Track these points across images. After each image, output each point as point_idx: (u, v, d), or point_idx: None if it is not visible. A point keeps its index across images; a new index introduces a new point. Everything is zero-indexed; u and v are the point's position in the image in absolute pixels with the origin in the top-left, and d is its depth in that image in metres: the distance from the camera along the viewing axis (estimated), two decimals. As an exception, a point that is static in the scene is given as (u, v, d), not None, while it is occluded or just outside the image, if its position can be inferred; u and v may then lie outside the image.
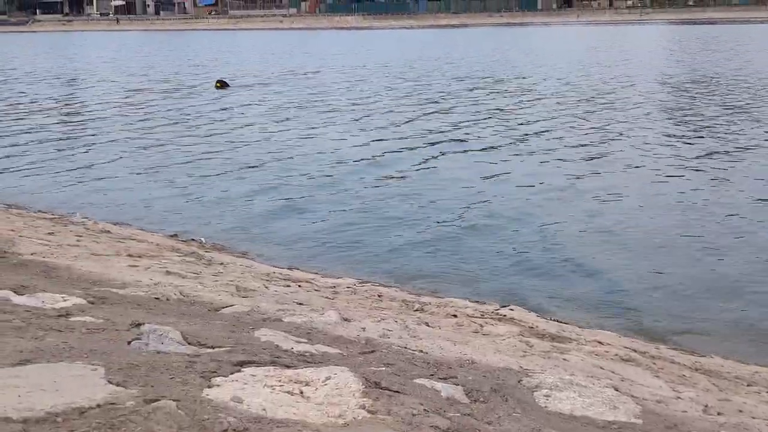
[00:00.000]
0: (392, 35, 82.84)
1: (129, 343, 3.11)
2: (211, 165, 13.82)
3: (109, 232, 8.90)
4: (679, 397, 3.81)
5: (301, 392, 2.83)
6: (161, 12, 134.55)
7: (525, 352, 4.73)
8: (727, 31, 70.49)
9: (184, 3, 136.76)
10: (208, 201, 11.21)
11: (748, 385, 4.60)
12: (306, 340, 3.88)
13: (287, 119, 19.60)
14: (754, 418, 3.62)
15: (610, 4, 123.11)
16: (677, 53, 43.19)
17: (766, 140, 14.80)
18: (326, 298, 6.19)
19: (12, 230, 7.74)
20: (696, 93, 23.28)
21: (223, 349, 3.26)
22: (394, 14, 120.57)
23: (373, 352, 3.99)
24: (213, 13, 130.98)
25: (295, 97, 24.86)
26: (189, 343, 3.27)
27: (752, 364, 5.30)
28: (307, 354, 3.54)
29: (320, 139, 16.30)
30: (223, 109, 21.99)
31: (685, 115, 18.79)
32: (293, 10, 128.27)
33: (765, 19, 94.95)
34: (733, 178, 11.74)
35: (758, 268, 7.73)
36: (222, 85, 27.39)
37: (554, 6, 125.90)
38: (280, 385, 2.86)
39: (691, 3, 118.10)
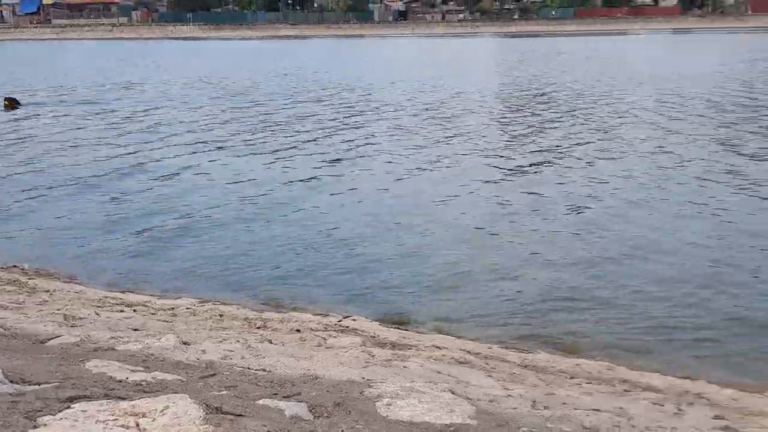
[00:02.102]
0: (228, 46, 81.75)
1: (-59, 386, 2.87)
2: (17, 186, 12.91)
3: None
4: (509, 395, 4.02)
5: (138, 425, 2.73)
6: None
7: (367, 362, 4.80)
8: (546, 43, 75.61)
9: (1, 12, 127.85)
10: (24, 224, 10.49)
11: (570, 378, 4.92)
12: (142, 369, 3.74)
13: (91, 137, 18.66)
14: (576, 409, 3.88)
15: (443, 18, 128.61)
16: (502, 64, 45.71)
17: (575, 144, 15.94)
18: (164, 321, 6.00)
19: None
20: (513, 102, 24.73)
21: (50, 384, 3.08)
22: (232, 24, 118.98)
23: (214, 375, 3.92)
24: (35, 22, 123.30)
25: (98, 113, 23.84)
26: (11, 381, 3.06)
27: (574, 357, 5.67)
28: (143, 383, 3.42)
29: (142, 157, 15.68)
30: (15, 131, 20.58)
31: (505, 124, 19.87)
32: (124, 19, 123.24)
33: (579, 32, 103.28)
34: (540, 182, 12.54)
35: (572, 266, 8.29)
36: (11, 103, 24.75)
37: (390, 19, 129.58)
38: (114, 420, 2.74)
39: (516, 17, 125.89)
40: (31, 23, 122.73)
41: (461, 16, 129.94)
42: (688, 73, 34.68)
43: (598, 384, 4.82)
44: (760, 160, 13.79)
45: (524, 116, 21.30)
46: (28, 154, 16.07)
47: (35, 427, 2.50)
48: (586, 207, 10.81)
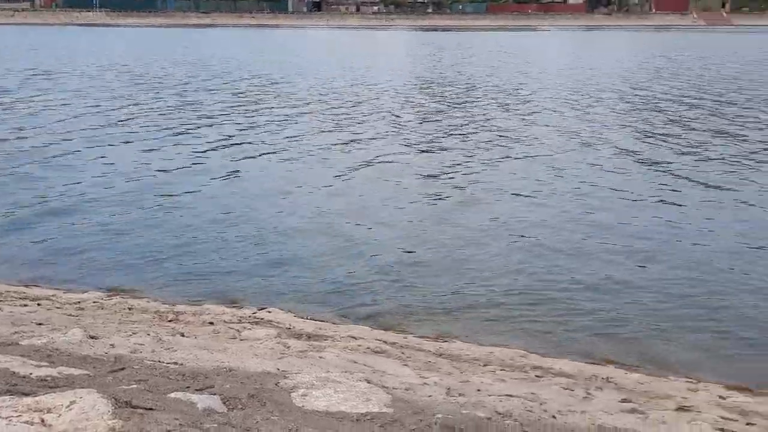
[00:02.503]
0: (136, 33, 79.48)
1: None
2: None
3: None
4: (425, 383, 4.08)
5: (43, 421, 2.65)
6: None
7: (283, 353, 4.78)
8: (457, 37, 77.05)
9: None
10: None
11: (484, 365, 5.03)
12: (47, 364, 3.62)
13: None
14: (489, 395, 3.97)
15: (357, 10, 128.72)
16: (412, 56, 46.24)
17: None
18: (70, 315, 5.80)
19: None
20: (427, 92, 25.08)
21: (-52, 383, 2.94)
22: (141, 11, 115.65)
23: (123, 369, 3.83)
24: None
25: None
26: None
27: (488, 345, 5.79)
28: (48, 378, 3.31)
29: (29, 146, 15.07)
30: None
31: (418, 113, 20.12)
32: (26, 5, 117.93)
33: (491, 27, 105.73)
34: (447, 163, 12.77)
35: (490, 253, 8.45)
36: None
37: (304, 9, 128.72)
38: (18, 416, 2.65)
39: (429, 11, 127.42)
40: None
41: (375, 8, 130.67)
42: (598, 67, 36.30)
43: (511, 371, 4.94)
44: (655, 140, 14.51)
45: (430, 105, 21.76)
46: None
47: (-69, 426, 2.39)
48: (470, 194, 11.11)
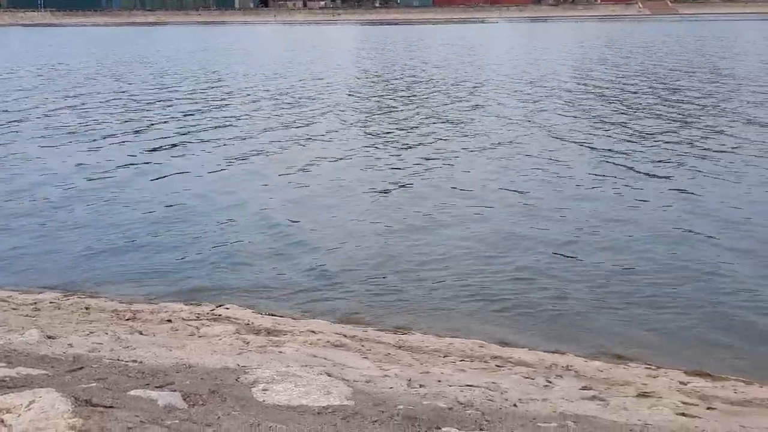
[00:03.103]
0: (81, 33, 78.04)
1: None
2: None
3: None
4: (386, 375, 4.13)
5: (2, 421, 2.65)
6: None
7: (242, 349, 4.80)
8: (405, 30, 77.47)
9: None
10: None
11: (444, 357, 5.11)
12: (5, 364, 3.60)
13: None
14: (450, 386, 4.04)
15: (304, 5, 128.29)
16: (358, 51, 46.29)
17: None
18: (26, 316, 5.74)
19: None
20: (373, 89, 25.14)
21: None
22: (86, 11, 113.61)
23: (81, 368, 3.81)
24: None
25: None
26: None
27: (447, 337, 5.87)
28: (6, 379, 3.30)
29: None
30: None
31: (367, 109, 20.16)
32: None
33: (438, 20, 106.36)
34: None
35: (443, 246, 8.53)
36: None
37: (251, 5, 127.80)
38: (-24, 417, 2.64)
39: (377, 5, 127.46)
40: None
41: (322, 3, 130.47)
42: (545, 57, 36.89)
43: (471, 361, 5.02)
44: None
45: (376, 99, 21.88)
46: None
47: None
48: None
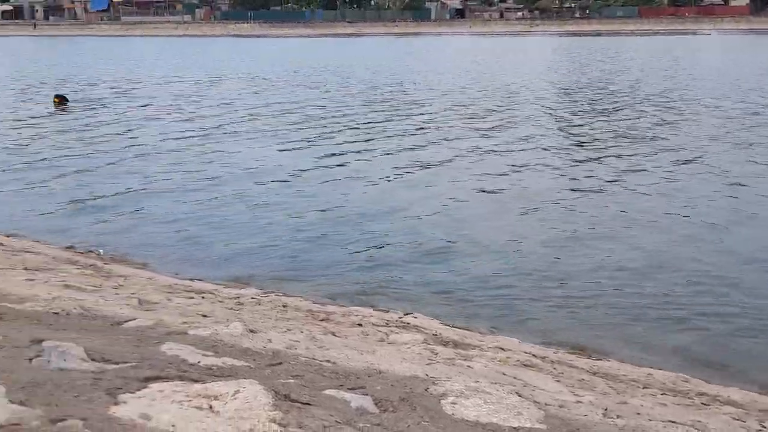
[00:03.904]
0: (286, 43, 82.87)
1: (30, 360, 2.99)
2: (98, 175, 13.36)
3: (2, 244, 8.48)
4: (579, 401, 3.96)
5: (211, 407, 2.79)
6: (50, 17, 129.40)
7: (430, 359, 4.80)
8: (611, 42, 74.68)
9: (74, 9, 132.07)
10: (98, 212, 10.84)
11: (643, 388, 4.82)
12: (212, 353, 3.82)
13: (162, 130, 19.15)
14: (651, 420, 3.80)
15: (501, 16, 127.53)
16: (575, 64, 45.20)
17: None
18: (230, 309, 6.11)
19: None
20: (586, 104, 24.37)
21: (129, 364, 3.17)
22: (290, 23, 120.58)
23: (280, 363, 3.97)
24: (105, 19, 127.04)
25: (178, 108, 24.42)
26: (92, 359, 3.17)
27: (646, 367, 5.55)
28: (214, 367, 3.49)
29: (212, 150, 16.05)
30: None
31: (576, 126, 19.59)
32: (188, 17, 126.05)
33: (643, 32, 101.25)
34: (622, 182, 12.31)
35: (651, 274, 8.11)
36: (60, 100, 24.31)
37: (447, 17, 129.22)
38: (189, 401, 2.81)
39: (577, 15, 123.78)
40: (101, 20, 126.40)
41: (520, 14, 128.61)
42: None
43: (673, 396, 4.70)
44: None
45: (569, 113, 21.11)
46: (85, 149, 16.21)
47: (116, 403, 2.59)
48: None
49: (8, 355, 3.00)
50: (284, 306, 6.71)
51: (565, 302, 7.26)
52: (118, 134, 18.22)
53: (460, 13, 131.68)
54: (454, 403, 3.50)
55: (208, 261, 8.66)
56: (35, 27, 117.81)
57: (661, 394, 4.66)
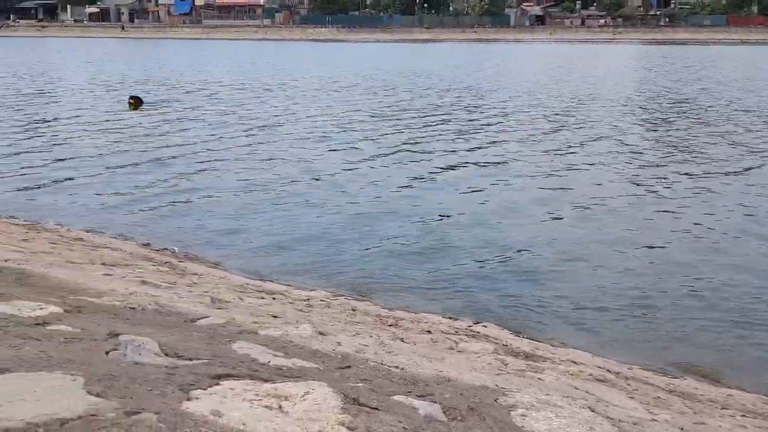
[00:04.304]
0: (364, 48, 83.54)
1: (107, 353, 3.06)
2: (176, 176, 13.70)
3: (82, 239, 8.77)
4: (654, 420, 3.83)
5: (280, 407, 2.80)
6: (135, 20, 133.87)
7: (500, 370, 4.73)
8: (698, 51, 72.53)
9: (158, 11, 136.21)
10: (176, 212, 11.14)
11: (722, 408, 4.64)
12: (282, 354, 3.84)
13: (241, 132, 19.50)
14: (728, 441, 3.66)
15: (582, 23, 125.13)
16: (646, 71, 44.20)
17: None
18: (300, 311, 6.15)
19: (-18, 236, 7.60)
20: (675, 116, 23.74)
21: (201, 361, 3.22)
22: (368, 27, 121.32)
23: (349, 367, 3.97)
24: (187, 22, 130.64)
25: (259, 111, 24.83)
26: (166, 355, 3.22)
27: (725, 387, 5.35)
28: (284, 368, 3.50)
29: (284, 152, 16.28)
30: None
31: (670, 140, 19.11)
32: (267, 21, 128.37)
33: (732, 41, 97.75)
34: (716, 194, 11.93)
35: (730, 291, 7.83)
36: (136, 101, 24.69)
37: (527, 23, 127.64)
38: (259, 399, 2.82)
39: (662, 23, 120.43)
40: (184, 23, 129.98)
41: (602, 21, 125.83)
42: None
43: (754, 418, 4.50)
44: None
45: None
46: (159, 150, 16.52)
47: (188, 399, 2.62)
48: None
49: (86, 348, 3.08)
50: (353, 310, 6.72)
51: (642, 318, 7.07)
52: (192, 136, 18.69)
53: (540, 20, 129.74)
54: (524, 416, 3.42)
55: (279, 263, 8.77)
56: (123, 29, 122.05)
57: (741, 416, 4.47)
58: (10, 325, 3.26)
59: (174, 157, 15.59)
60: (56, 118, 21.96)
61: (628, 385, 4.85)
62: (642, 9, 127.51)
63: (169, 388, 2.68)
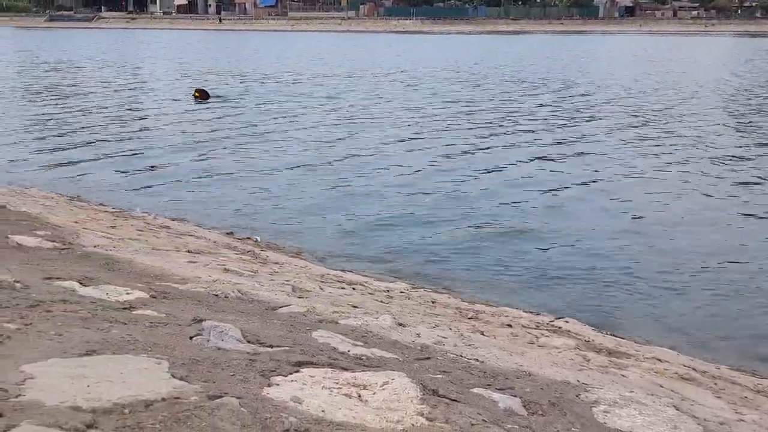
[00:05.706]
0: (449, 40, 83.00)
1: (191, 338, 3.15)
2: (258, 167, 13.92)
3: (168, 227, 9.05)
4: (741, 420, 3.70)
5: (359, 396, 2.82)
6: (222, 12, 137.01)
7: (582, 366, 4.64)
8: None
9: (245, 4, 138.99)
10: (259, 201, 11.34)
11: (814, 411, 4.44)
12: (362, 344, 3.87)
13: (319, 123, 19.63)
14: (822, 445, 3.49)
15: (674, 15, 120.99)
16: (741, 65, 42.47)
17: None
18: (380, 302, 6.18)
19: (76, 222, 7.93)
20: None
21: (282, 348, 3.27)
22: (452, 19, 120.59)
23: (428, 358, 3.96)
24: (273, 14, 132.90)
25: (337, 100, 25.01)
26: (248, 341, 3.29)
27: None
28: (363, 357, 3.53)
29: (364, 143, 16.35)
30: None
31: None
32: (352, 13, 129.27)
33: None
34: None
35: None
36: (201, 94, 24.40)
37: (616, 15, 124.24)
38: (338, 388, 2.85)
39: (758, 15, 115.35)
40: (269, 15, 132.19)
41: (695, 13, 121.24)
42: None
43: None
44: None
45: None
46: (235, 141, 16.76)
47: (269, 385, 2.67)
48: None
49: (171, 332, 3.18)
50: (433, 302, 6.71)
51: (729, 317, 6.82)
52: (273, 125, 18.95)
53: (630, 11, 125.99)
54: (607, 412, 3.35)
55: (360, 253, 8.82)
56: (221, 21, 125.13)
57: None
58: (98, 309, 3.39)
59: (247, 150, 15.77)
60: (146, 109, 22.61)
61: (715, 384, 4.69)
62: (737, 0, 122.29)
63: (250, 374, 2.73)
